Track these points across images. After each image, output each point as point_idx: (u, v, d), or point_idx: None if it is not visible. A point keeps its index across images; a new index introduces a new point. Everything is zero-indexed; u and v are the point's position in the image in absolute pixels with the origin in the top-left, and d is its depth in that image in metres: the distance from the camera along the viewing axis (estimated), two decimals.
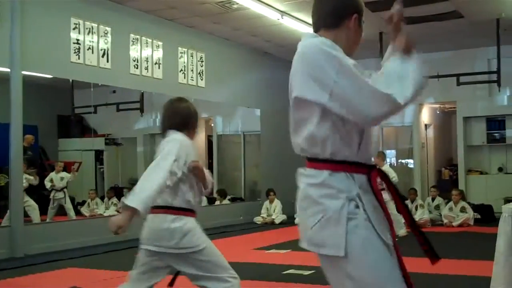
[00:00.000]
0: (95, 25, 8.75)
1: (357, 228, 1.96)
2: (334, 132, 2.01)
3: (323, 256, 2.04)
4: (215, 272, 3.13)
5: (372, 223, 1.98)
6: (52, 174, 9.69)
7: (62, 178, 9.71)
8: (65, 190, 9.68)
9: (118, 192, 11.21)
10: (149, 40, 9.78)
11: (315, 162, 2.06)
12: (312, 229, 2.02)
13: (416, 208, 10.59)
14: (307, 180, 2.07)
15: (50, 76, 8.66)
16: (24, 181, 8.58)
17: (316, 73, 1.97)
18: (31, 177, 9.04)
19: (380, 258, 1.97)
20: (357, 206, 1.98)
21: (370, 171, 2.07)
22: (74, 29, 8.43)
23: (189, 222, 3.14)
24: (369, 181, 2.05)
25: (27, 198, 8.60)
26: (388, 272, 1.98)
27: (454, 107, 13.49)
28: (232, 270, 3.20)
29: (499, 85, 10.93)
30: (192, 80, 10.77)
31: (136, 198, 2.81)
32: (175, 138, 3.12)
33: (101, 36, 8.87)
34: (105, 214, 10.31)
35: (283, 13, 9.62)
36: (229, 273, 3.17)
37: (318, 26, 2.18)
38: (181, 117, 3.21)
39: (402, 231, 8.21)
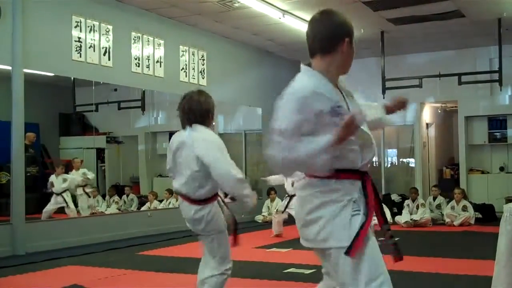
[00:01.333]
0: (96, 23, 8.75)
1: (357, 222, 2.28)
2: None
3: (326, 250, 2.31)
4: (216, 256, 3.45)
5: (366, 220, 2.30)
6: (52, 177, 9.40)
7: (64, 180, 9.40)
8: (63, 194, 9.29)
9: (119, 190, 11.22)
10: (151, 39, 9.78)
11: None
12: (316, 229, 2.35)
13: (417, 207, 10.57)
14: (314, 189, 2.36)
15: (51, 74, 8.67)
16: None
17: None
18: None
19: (377, 250, 2.30)
20: (358, 208, 2.31)
21: (363, 176, 2.36)
22: (75, 27, 8.43)
23: (213, 208, 3.44)
24: (363, 186, 2.34)
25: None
26: (382, 261, 2.29)
27: (455, 106, 13.48)
28: (230, 263, 3.47)
29: (500, 85, 10.93)
30: (194, 78, 10.77)
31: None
32: (214, 141, 3.38)
33: (103, 34, 8.87)
34: (106, 212, 10.34)
35: (284, 12, 9.61)
36: (226, 265, 3.45)
37: (313, 51, 2.41)
38: (205, 110, 3.41)
39: None
